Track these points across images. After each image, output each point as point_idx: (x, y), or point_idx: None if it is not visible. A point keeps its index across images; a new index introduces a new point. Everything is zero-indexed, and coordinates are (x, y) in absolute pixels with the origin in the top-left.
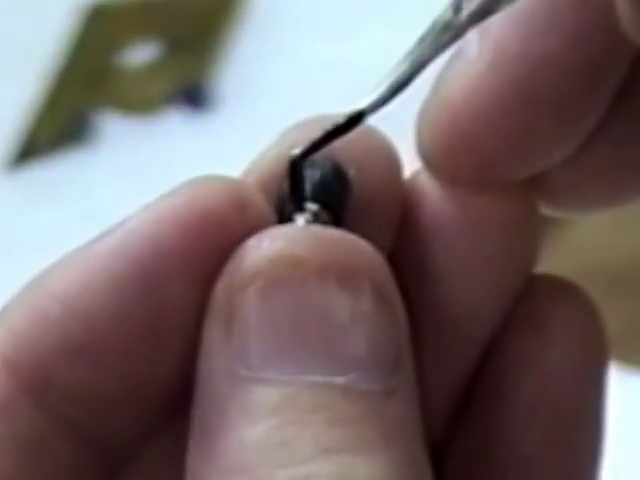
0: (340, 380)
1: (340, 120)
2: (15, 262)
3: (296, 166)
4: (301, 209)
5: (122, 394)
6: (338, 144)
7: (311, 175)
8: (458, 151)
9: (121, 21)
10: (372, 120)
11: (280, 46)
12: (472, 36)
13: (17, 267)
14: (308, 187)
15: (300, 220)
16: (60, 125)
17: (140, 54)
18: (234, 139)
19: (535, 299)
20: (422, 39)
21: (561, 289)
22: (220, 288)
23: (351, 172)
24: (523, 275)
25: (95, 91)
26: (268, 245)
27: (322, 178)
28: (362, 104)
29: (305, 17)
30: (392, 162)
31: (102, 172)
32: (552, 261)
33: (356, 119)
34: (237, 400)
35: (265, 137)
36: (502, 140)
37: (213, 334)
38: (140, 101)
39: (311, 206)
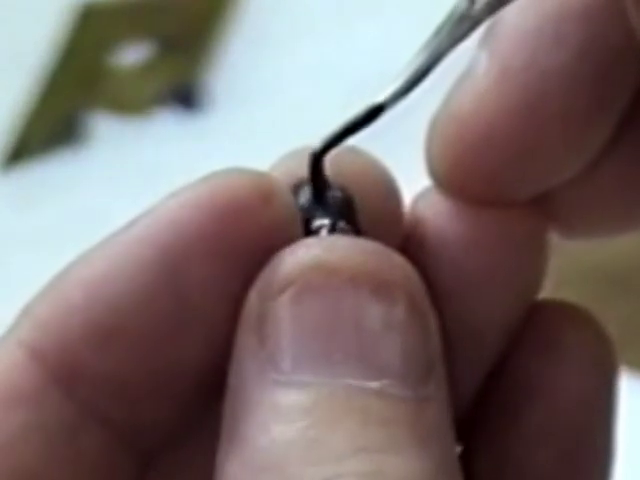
0: (374, 385)
1: (360, 114)
2: (7, 263)
3: (318, 161)
4: (323, 203)
5: (150, 383)
6: (338, 173)
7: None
8: (466, 165)
9: (112, 22)
10: (360, 139)
11: (272, 47)
12: (481, 53)
13: (10, 267)
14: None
15: (323, 229)
16: (52, 126)
17: (132, 55)
18: (226, 140)
19: (546, 321)
20: (439, 30)
21: (571, 312)
22: (254, 294)
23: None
24: (530, 293)
25: (87, 92)
26: (303, 253)
27: (337, 199)
28: (381, 97)
29: (298, 18)
30: (391, 192)
31: (94, 173)
32: (551, 263)
33: (375, 112)
34: (268, 403)
35: (256, 138)
36: (510, 154)
37: (246, 338)
38: (132, 102)
39: (328, 220)
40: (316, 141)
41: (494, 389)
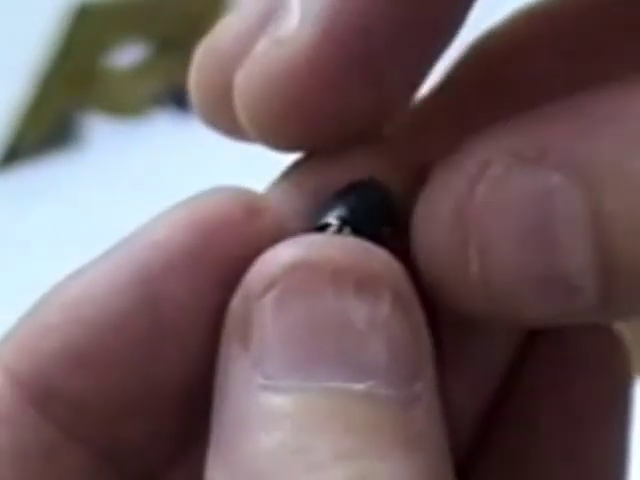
0: (359, 387)
1: None
2: (1, 264)
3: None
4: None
5: (130, 403)
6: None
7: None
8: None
9: (108, 22)
10: None
11: None
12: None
13: (3, 269)
14: (348, 207)
15: (330, 228)
16: (46, 127)
17: (127, 55)
18: (221, 142)
19: (560, 333)
20: None
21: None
22: (237, 298)
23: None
24: None
25: (82, 93)
26: (283, 253)
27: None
28: None
29: None
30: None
31: (89, 174)
32: None
33: None
34: (254, 409)
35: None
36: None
37: (230, 344)
38: (127, 103)
39: (333, 220)
40: None
41: (509, 398)
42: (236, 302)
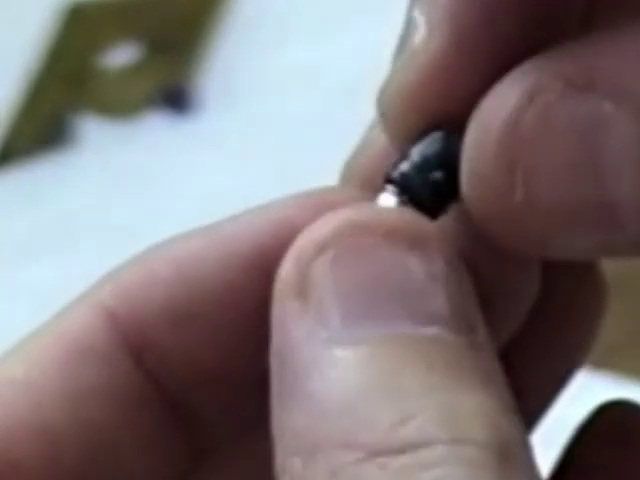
0: (430, 330)
1: None
2: None
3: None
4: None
5: (218, 371)
6: None
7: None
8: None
9: (101, 22)
10: None
11: (264, 48)
12: (416, 16)
13: None
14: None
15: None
16: (39, 128)
17: (120, 56)
18: (216, 142)
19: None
20: None
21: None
22: (287, 263)
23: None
24: None
25: (74, 93)
26: (334, 217)
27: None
28: None
29: (289, 19)
30: None
31: (82, 176)
32: None
33: None
34: (326, 360)
35: (247, 140)
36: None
37: (286, 308)
38: (120, 104)
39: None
40: (305, 143)
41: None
42: (287, 265)
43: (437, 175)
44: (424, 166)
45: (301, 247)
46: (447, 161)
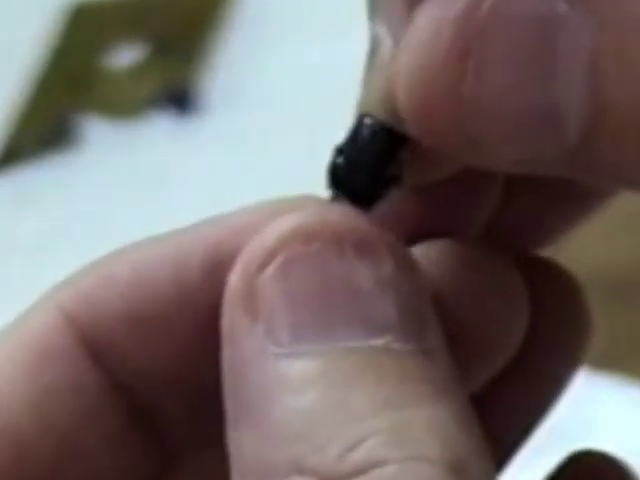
0: (378, 342)
1: None
2: None
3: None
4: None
5: (179, 372)
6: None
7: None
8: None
9: (105, 22)
10: None
11: (267, 48)
12: (377, 29)
13: (0, 270)
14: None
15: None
16: (43, 128)
17: (124, 56)
18: (220, 143)
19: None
20: None
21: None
22: (235, 275)
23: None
24: None
25: (79, 94)
26: (281, 222)
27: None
28: None
29: (292, 19)
30: None
31: (86, 176)
32: None
33: None
34: (274, 377)
35: (251, 140)
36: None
37: (235, 320)
38: (124, 104)
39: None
40: (309, 144)
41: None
42: (235, 278)
43: (365, 162)
44: (351, 156)
45: (248, 254)
46: (375, 147)
